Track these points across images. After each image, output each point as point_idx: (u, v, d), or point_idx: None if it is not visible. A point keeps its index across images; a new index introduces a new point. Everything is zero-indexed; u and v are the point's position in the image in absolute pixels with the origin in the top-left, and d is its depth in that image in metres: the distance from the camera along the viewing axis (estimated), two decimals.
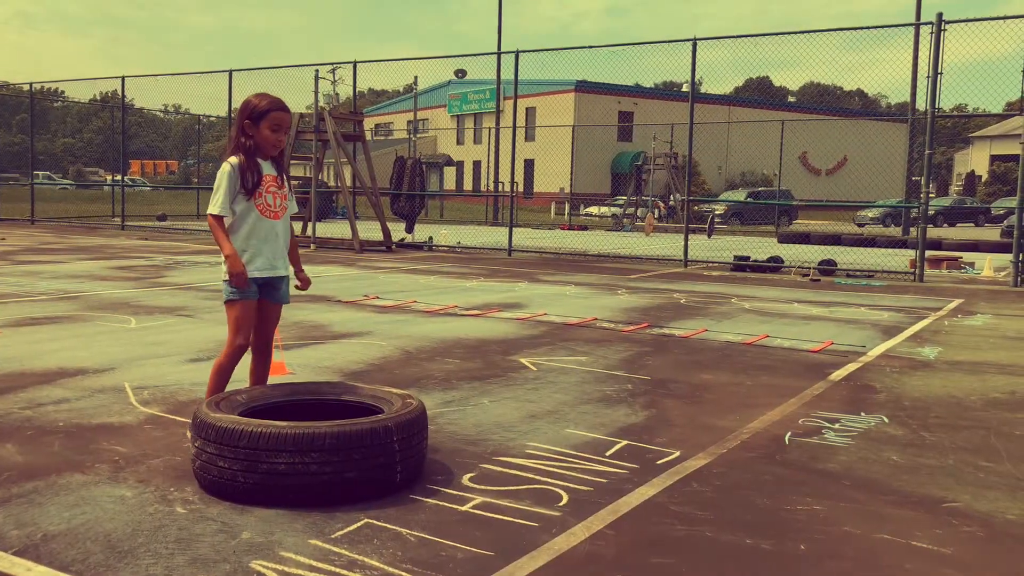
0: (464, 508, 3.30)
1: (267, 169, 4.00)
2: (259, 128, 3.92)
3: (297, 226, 19.29)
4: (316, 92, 17.59)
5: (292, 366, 5.76)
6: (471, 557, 2.88)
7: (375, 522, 3.15)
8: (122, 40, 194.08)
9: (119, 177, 25.42)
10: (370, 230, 18.84)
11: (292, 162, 18.88)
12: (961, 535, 3.18)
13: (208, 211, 3.91)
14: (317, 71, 17.92)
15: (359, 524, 3.13)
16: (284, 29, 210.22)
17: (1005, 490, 3.69)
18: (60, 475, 3.56)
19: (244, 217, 3.94)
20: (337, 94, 18.82)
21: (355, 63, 19.10)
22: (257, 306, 4.04)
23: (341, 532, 3.05)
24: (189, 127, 60.74)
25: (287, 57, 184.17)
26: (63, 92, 48.88)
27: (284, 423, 3.30)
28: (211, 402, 3.60)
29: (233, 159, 3.92)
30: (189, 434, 3.53)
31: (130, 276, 11.21)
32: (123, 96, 23.65)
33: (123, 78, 22.71)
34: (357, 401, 3.90)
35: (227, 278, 3.94)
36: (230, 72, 20.39)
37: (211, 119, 36.16)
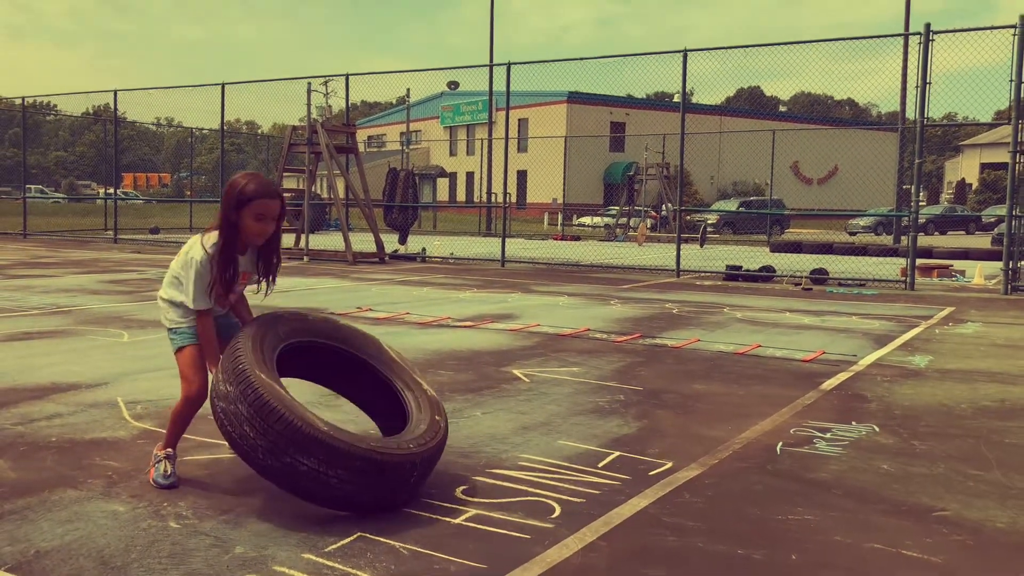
0: (457, 521, 3.31)
1: (244, 266, 3.66)
2: (241, 216, 3.51)
3: (290, 238, 19.32)
4: (309, 104, 17.60)
5: (285, 379, 5.75)
6: (464, 570, 2.89)
7: (368, 536, 3.15)
8: (112, 53, 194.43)
9: (112, 190, 25.40)
10: (363, 242, 18.85)
11: (285, 174, 18.94)
12: (951, 544, 3.21)
13: (195, 307, 3.61)
14: (310, 84, 17.94)
15: (352, 538, 3.13)
16: (275, 41, 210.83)
17: (995, 498, 3.71)
18: (53, 491, 3.56)
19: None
20: (330, 106, 18.76)
21: (347, 76, 19.17)
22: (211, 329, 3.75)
23: (334, 546, 3.06)
24: (182, 140, 60.71)
25: (279, 69, 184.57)
26: (55, 106, 48.82)
27: (325, 425, 3.25)
28: (256, 339, 3.46)
29: (209, 247, 3.55)
30: (220, 374, 3.39)
31: (123, 290, 11.20)
32: (115, 109, 23.66)
33: (115, 92, 22.74)
34: (386, 378, 3.85)
35: (171, 325, 3.71)
36: (222, 85, 20.44)
37: (203, 132, 36.19)
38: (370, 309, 9.62)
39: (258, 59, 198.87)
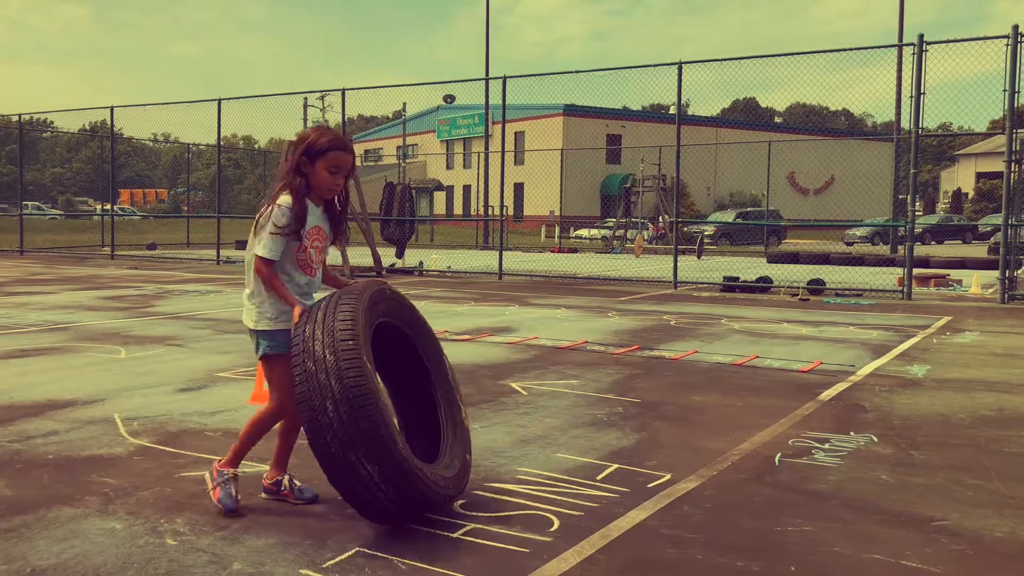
0: (455, 535, 3.30)
1: (315, 219, 3.50)
2: (315, 167, 3.40)
3: None
4: (305, 119, 17.67)
5: None
6: None
7: (366, 551, 3.14)
8: (108, 71, 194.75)
9: (108, 206, 25.42)
10: (360, 256, 18.86)
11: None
12: (950, 554, 3.20)
13: (256, 252, 3.40)
14: (306, 99, 18.04)
15: (350, 553, 3.12)
16: (271, 57, 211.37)
17: (993, 508, 3.71)
18: (49, 508, 3.55)
19: (279, 268, 3.47)
20: (327, 121, 18.86)
21: (344, 90, 19.21)
22: None
23: (332, 561, 3.05)
24: (179, 155, 60.81)
25: (275, 85, 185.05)
26: (52, 122, 48.97)
27: (401, 443, 3.17)
28: (365, 315, 3.30)
29: (284, 198, 3.40)
30: (321, 333, 3.17)
31: (120, 306, 11.19)
32: (112, 125, 23.70)
33: (112, 108, 22.78)
34: (434, 389, 3.81)
35: (262, 327, 3.48)
36: (219, 101, 20.47)
37: (200, 147, 36.28)
38: None
39: (255, 75, 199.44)
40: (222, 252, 21.42)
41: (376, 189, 21.82)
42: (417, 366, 3.84)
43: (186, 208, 45.99)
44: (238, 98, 20.93)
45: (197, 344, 8.01)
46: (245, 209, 43.36)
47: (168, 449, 4.46)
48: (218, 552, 3.11)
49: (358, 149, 50.99)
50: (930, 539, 3.34)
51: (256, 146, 60.72)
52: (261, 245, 3.39)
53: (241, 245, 27.06)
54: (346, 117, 19.97)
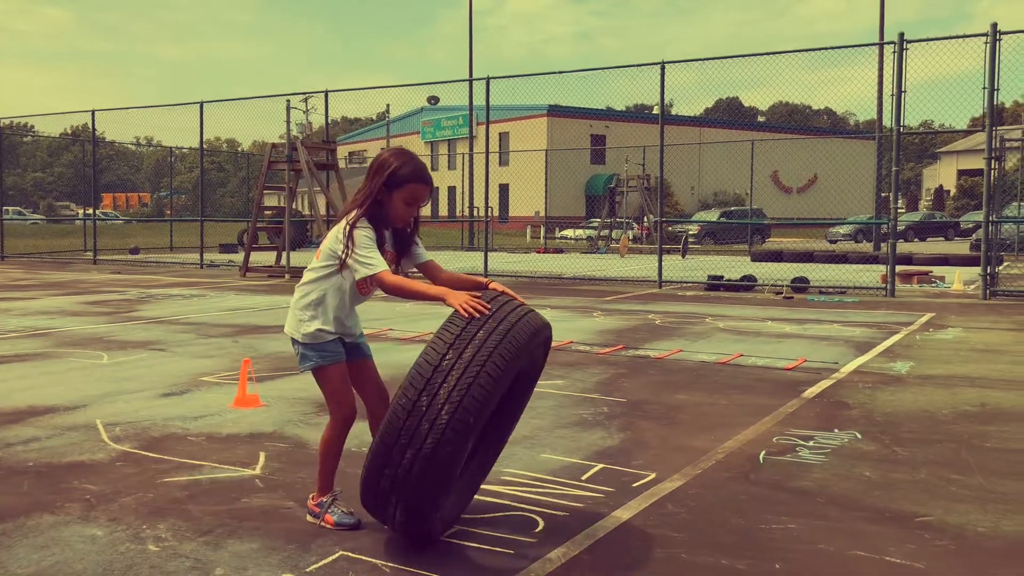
0: (440, 537, 3.28)
1: (386, 243, 3.37)
2: (391, 197, 3.27)
3: (271, 256, 19.24)
4: (288, 122, 17.57)
5: (266, 398, 5.73)
6: None
7: (350, 554, 3.13)
8: (92, 74, 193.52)
9: (91, 211, 25.25)
10: None
11: (265, 192, 18.89)
12: (933, 549, 3.21)
13: (374, 274, 3.20)
14: (288, 101, 17.92)
15: (335, 556, 3.11)
16: (255, 60, 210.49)
17: (976, 503, 3.73)
18: (29, 516, 3.51)
19: (339, 288, 3.35)
20: (310, 123, 18.76)
21: (327, 92, 19.15)
22: (354, 367, 3.47)
23: (316, 566, 3.03)
24: (161, 159, 60.51)
25: (259, 87, 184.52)
26: (32, 127, 48.62)
27: (437, 520, 3.09)
28: (517, 353, 2.99)
29: (363, 222, 3.26)
30: (465, 343, 2.94)
31: (102, 311, 11.11)
32: (93, 129, 23.54)
33: (93, 112, 22.62)
34: (511, 426, 3.66)
35: (307, 339, 3.35)
36: (201, 104, 20.37)
37: (183, 150, 36.10)
38: None
39: (238, 77, 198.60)
40: (205, 256, 21.31)
41: None
42: (510, 412, 3.58)
43: (169, 212, 45.76)
44: (220, 101, 20.84)
45: (180, 348, 7.96)
46: (228, 212, 43.20)
47: (151, 455, 4.43)
48: (200, 557, 3.09)
49: (341, 151, 50.87)
50: (913, 535, 3.35)
51: (240, 149, 60.49)
52: (366, 265, 3.19)
53: (225, 248, 26.94)
54: (329, 119, 19.91)
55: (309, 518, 3.44)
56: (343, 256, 3.25)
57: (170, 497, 3.75)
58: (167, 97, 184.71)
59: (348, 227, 3.25)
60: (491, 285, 3.32)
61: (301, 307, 3.41)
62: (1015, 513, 3.60)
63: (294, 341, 3.42)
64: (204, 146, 21.89)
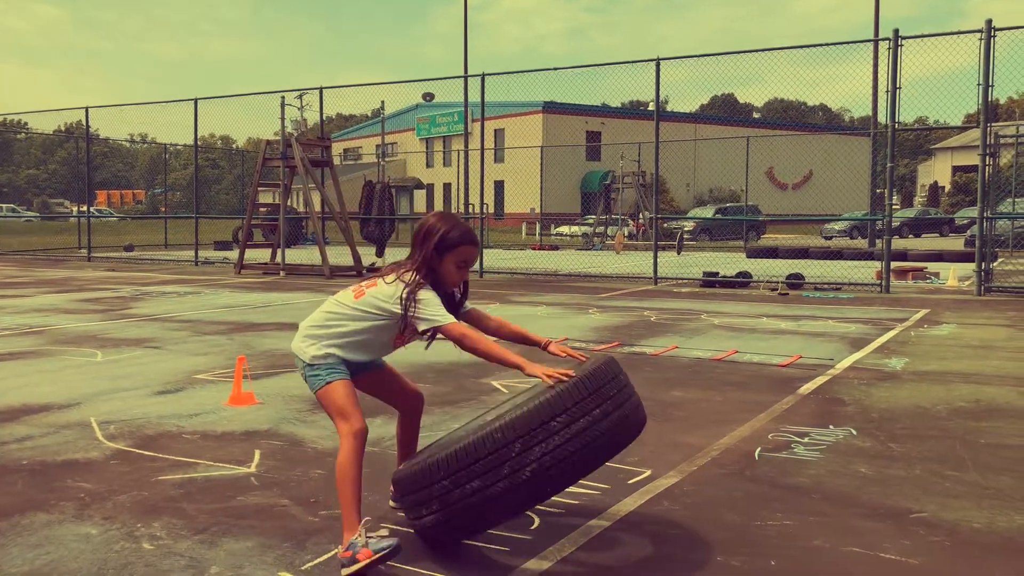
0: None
1: None
2: (443, 260, 3.23)
3: (266, 253, 19.21)
4: (283, 119, 17.53)
5: (261, 396, 5.72)
6: None
7: None
8: (86, 71, 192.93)
9: (85, 208, 25.17)
10: (340, 255, 18.79)
11: (260, 189, 18.85)
12: (928, 545, 3.22)
13: (441, 325, 3.14)
14: (283, 98, 17.87)
15: (330, 555, 3.10)
16: (249, 57, 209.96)
17: (971, 499, 3.73)
18: (23, 515, 3.50)
19: (378, 336, 3.27)
20: (305, 120, 18.73)
21: (321, 89, 19.13)
22: (371, 379, 3.43)
23: (311, 564, 3.03)
24: (156, 156, 60.35)
25: (253, 84, 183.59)
26: (26, 124, 48.42)
27: None
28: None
29: (426, 286, 3.20)
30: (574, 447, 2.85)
31: (96, 308, 11.09)
32: (87, 126, 23.48)
33: (87, 108, 22.57)
34: None
35: (316, 361, 3.25)
36: (195, 100, 20.33)
37: (178, 147, 36.01)
38: None
39: (233, 74, 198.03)
40: (200, 253, 21.27)
41: (356, 188, 21.71)
42: None
43: (164, 209, 45.68)
44: (215, 98, 20.80)
45: (175, 346, 7.94)
46: (223, 209, 43.10)
47: (145, 453, 4.42)
48: (195, 556, 3.08)
49: (337, 148, 50.82)
50: (908, 531, 3.35)
51: (234, 146, 60.37)
52: (438, 314, 3.13)
53: (220, 245, 26.88)
54: (324, 116, 19.88)
55: (344, 572, 2.88)
56: (405, 314, 3.16)
57: (165, 495, 3.74)
58: (162, 94, 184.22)
59: (409, 291, 3.16)
60: (550, 348, 3.43)
61: (319, 334, 3.29)
62: (1010, 509, 3.60)
63: (301, 363, 3.30)
64: (199, 143, 21.84)
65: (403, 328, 3.23)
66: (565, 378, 2.97)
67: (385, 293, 3.23)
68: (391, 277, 3.26)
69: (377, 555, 2.88)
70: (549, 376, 2.99)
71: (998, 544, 3.24)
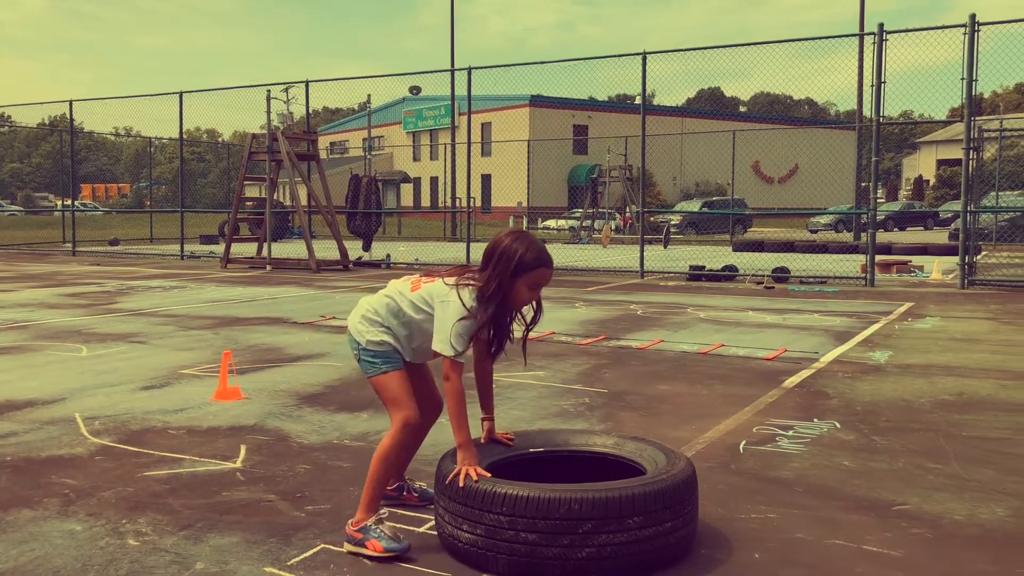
0: (421, 530, 3.29)
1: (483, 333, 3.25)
2: (515, 283, 3.14)
3: (253, 247, 19.13)
4: (268, 112, 17.45)
5: (248, 391, 5.70)
6: None
7: (332, 547, 3.13)
8: (72, 64, 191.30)
9: (69, 201, 25.00)
10: (327, 249, 18.73)
11: (246, 182, 18.77)
12: (910, 537, 3.25)
13: (448, 355, 3.09)
14: (269, 91, 17.80)
15: (316, 550, 3.10)
16: (235, 50, 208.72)
17: (952, 491, 3.77)
18: (7, 511, 3.49)
19: (426, 336, 3.25)
20: (291, 113, 18.66)
21: (307, 82, 19.04)
22: (408, 370, 3.34)
23: (297, 559, 3.03)
24: (141, 149, 59.97)
25: (239, 77, 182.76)
26: (10, 117, 48.03)
27: None
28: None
29: (474, 305, 3.12)
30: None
31: (81, 303, 11.03)
32: (71, 120, 23.31)
33: (71, 102, 22.40)
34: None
35: (372, 347, 3.23)
36: (180, 94, 20.20)
37: (163, 141, 35.79)
38: (333, 317, 9.55)
39: (220, 67, 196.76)
40: (186, 247, 21.18)
41: (342, 182, 21.67)
42: None
43: (149, 203, 45.42)
44: (200, 91, 20.67)
45: (160, 341, 7.91)
46: (209, 203, 42.89)
47: (130, 448, 4.40)
48: (181, 552, 3.08)
49: (324, 142, 50.60)
50: (891, 523, 3.38)
51: (220, 139, 60.06)
52: (451, 344, 3.08)
53: (206, 239, 26.75)
54: (310, 109, 19.80)
55: (348, 546, 3.07)
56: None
57: (150, 491, 3.73)
58: (147, 87, 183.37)
59: (450, 300, 3.14)
60: (486, 424, 3.43)
61: (376, 319, 3.27)
62: (991, 501, 3.64)
63: (356, 344, 3.28)
64: (184, 136, 21.71)
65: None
66: (475, 476, 2.97)
67: (440, 292, 3.20)
68: (452, 280, 3.20)
69: (386, 554, 3.01)
70: (466, 472, 2.99)
71: (979, 536, 3.27)
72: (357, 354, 3.31)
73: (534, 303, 3.30)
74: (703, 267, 15.18)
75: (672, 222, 32.52)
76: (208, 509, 3.51)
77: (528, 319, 3.36)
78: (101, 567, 2.95)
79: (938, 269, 14.92)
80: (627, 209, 33.82)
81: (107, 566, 2.96)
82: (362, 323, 3.29)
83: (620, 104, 53.30)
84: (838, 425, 4.89)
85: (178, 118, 20.47)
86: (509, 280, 3.12)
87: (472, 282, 3.16)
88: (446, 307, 3.13)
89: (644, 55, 14.94)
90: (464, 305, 3.10)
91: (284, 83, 18.17)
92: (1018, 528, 3.35)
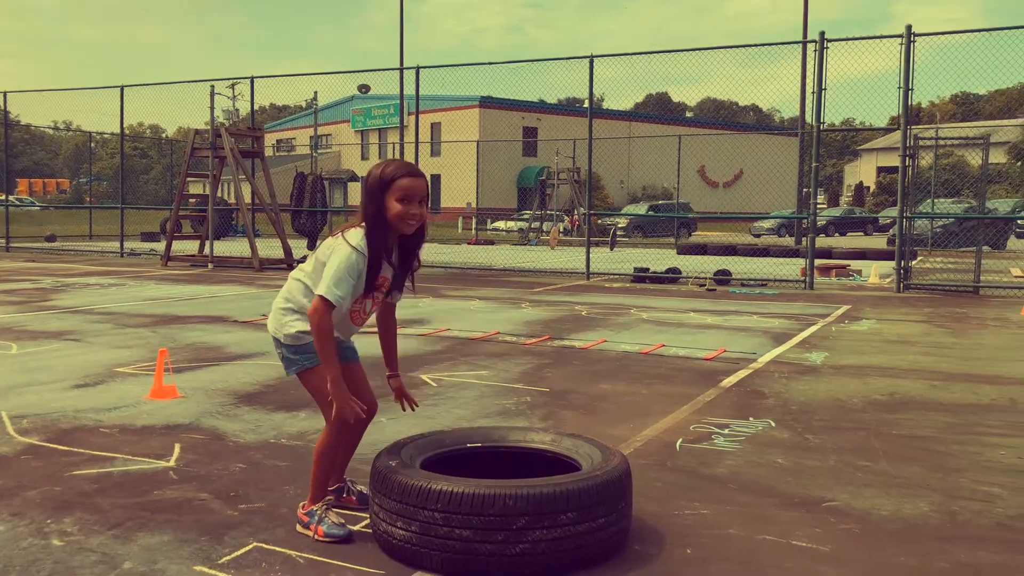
0: (357, 528, 3.26)
1: (386, 270, 3.22)
2: (386, 202, 3.11)
3: (194, 244, 18.82)
4: (212, 108, 17.21)
5: (184, 389, 5.61)
6: None
7: (264, 545, 3.09)
8: (5, 53, 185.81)
9: (3, 196, 24.32)
10: (270, 248, 18.51)
11: (188, 179, 18.46)
12: (838, 533, 3.32)
13: (319, 292, 3.06)
14: (213, 87, 17.54)
15: (248, 548, 3.07)
16: (180, 44, 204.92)
17: (881, 488, 3.86)
18: None
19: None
20: (237, 110, 18.44)
21: (252, 78, 18.80)
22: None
23: (229, 557, 2.99)
24: (81, 144, 58.56)
25: (183, 73, 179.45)
26: None
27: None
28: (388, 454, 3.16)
29: (361, 242, 3.10)
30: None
31: (13, 300, 10.73)
32: (5, 111, 22.69)
33: (5, 93, 21.80)
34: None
35: (290, 342, 3.24)
36: (121, 88, 19.79)
37: (104, 136, 35.02)
38: None
39: (164, 62, 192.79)
40: (126, 244, 20.74)
41: (289, 179, 21.41)
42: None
43: (89, 199, 44.37)
44: (142, 85, 20.27)
45: (96, 339, 7.74)
46: (151, 200, 42.08)
47: (59, 447, 4.30)
48: (108, 551, 3.02)
49: (270, 139, 49.95)
50: (820, 519, 3.45)
51: (164, 135, 58.95)
52: (326, 284, 3.04)
53: (147, 237, 26.24)
54: (257, 106, 19.55)
55: (299, 528, 3.22)
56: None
57: (78, 490, 3.65)
58: (86, 80, 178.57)
59: (337, 247, 3.12)
60: (392, 381, 3.53)
61: (287, 308, 3.27)
62: (916, 497, 3.74)
63: (277, 342, 3.29)
64: (126, 131, 21.28)
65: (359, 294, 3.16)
66: (355, 413, 3.13)
67: (327, 245, 3.19)
68: (333, 239, 3.17)
69: (326, 539, 3.14)
70: (343, 409, 3.10)
71: (903, 530, 3.36)
72: (280, 353, 3.29)
73: (417, 228, 3.22)
74: (647, 269, 15.33)
75: (619, 225, 32.80)
76: (139, 508, 3.45)
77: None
78: (23, 568, 2.87)
79: (875, 273, 15.27)
80: (575, 211, 34.00)
81: (29, 567, 2.88)
82: (280, 315, 3.29)
83: (569, 107, 53.63)
84: (773, 424, 4.98)
85: (119, 112, 20.05)
86: (380, 197, 3.11)
87: (353, 225, 3.16)
88: (333, 254, 3.11)
89: (591, 58, 15.04)
90: (350, 244, 3.09)
91: (230, 79, 17.91)
92: (940, 522, 3.44)
